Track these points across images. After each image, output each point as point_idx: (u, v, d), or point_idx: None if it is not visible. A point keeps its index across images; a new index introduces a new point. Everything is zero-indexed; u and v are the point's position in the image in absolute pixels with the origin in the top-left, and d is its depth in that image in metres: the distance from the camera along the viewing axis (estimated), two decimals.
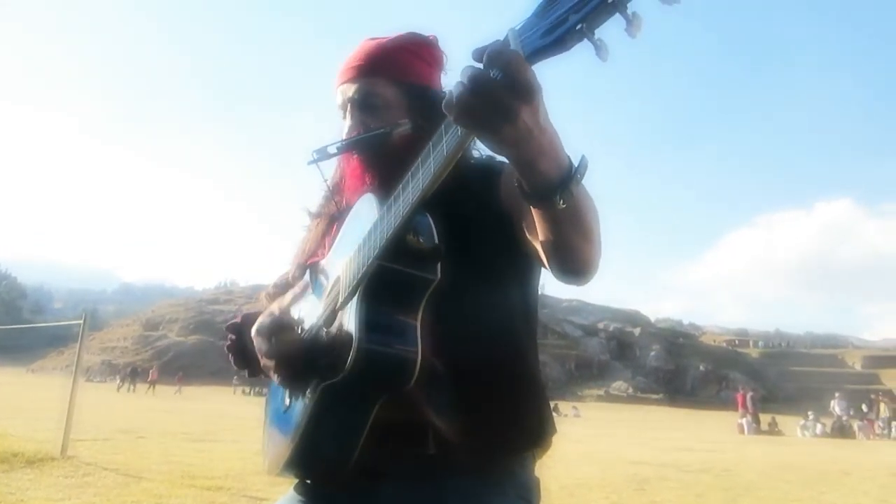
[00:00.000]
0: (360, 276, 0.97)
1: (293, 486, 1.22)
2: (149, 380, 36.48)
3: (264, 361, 1.12)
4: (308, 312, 1.19)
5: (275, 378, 1.13)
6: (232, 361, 1.26)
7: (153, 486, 5.33)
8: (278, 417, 1.19)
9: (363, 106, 1.21)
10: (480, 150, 1.25)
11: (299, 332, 1.12)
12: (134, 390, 34.41)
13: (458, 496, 1.06)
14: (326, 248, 1.26)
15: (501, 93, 0.73)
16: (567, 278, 1.01)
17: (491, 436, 1.08)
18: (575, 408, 33.08)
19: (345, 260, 1.06)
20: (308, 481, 1.19)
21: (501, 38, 0.76)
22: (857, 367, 73.05)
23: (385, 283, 0.97)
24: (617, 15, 0.67)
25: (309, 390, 1.06)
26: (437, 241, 0.94)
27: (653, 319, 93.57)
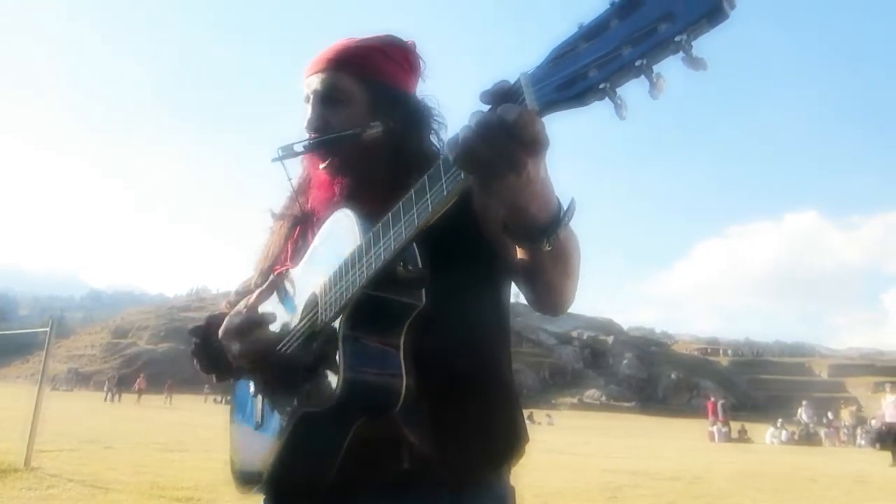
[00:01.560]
0: (344, 302, 0.95)
1: (264, 500, 1.20)
2: (136, 389, 34.90)
3: (237, 362, 1.10)
4: (280, 325, 1.16)
5: (252, 380, 1.11)
6: (198, 366, 1.22)
7: (121, 498, 5.23)
8: (249, 434, 1.17)
9: (325, 99, 1.18)
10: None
11: (275, 337, 1.10)
12: (120, 399, 32.92)
13: None
14: (290, 254, 1.23)
15: (511, 144, 0.73)
16: (542, 311, 1.05)
17: (465, 449, 1.07)
18: (549, 416, 33.18)
19: (322, 279, 1.04)
20: (278, 494, 1.17)
21: (512, 82, 0.75)
22: (824, 375, 74.51)
23: (371, 311, 0.96)
24: (641, 76, 0.64)
25: (287, 410, 1.04)
26: (423, 268, 0.93)
27: (626, 328, 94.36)
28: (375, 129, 1.14)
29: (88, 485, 5.72)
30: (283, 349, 1.11)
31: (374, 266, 0.90)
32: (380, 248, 0.90)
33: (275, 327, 1.15)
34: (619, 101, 0.66)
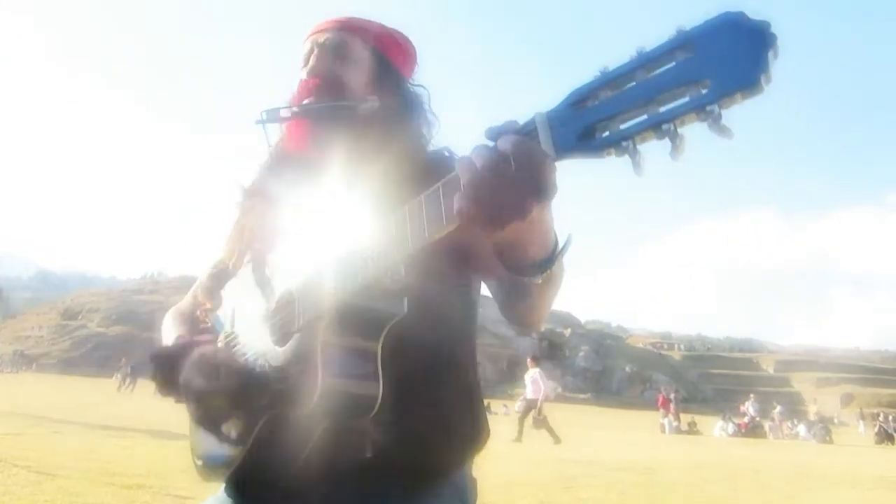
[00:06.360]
0: (326, 308, 0.92)
1: (223, 487, 1.19)
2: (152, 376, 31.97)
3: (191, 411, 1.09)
4: (249, 318, 1.13)
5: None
6: (157, 390, 1.15)
7: (69, 484, 5.08)
8: None
9: (334, 51, 1.17)
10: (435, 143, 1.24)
11: (244, 364, 1.06)
12: (134, 388, 29.01)
13: (394, 500, 1.06)
14: (264, 238, 1.18)
15: (521, 192, 0.67)
16: (517, 327, 1.05)
17: (428, 446, 1.08)
18: (506, 406, 33.51)
19: (302, 279, 1.00)
20: (242, 483, 1.16)
21: (523, 123, 0.69)
22: (770, 370, 77.21)
23: (352, 318, 0.94)
24: (665, 139, 0.59)
25: (256, 408, 1.02)
26: (407, 277, 0.90)
27: (583, 321, 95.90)
28: (372, 104, 1.14)
29: (34, 470, 5.55)
30: (253, 345, 1.09)
31: (360, 277, 0.86)
32: (369, 259, 0.85)
33: (243, 322, 1.13)
34: (638, 160, 0.61)
